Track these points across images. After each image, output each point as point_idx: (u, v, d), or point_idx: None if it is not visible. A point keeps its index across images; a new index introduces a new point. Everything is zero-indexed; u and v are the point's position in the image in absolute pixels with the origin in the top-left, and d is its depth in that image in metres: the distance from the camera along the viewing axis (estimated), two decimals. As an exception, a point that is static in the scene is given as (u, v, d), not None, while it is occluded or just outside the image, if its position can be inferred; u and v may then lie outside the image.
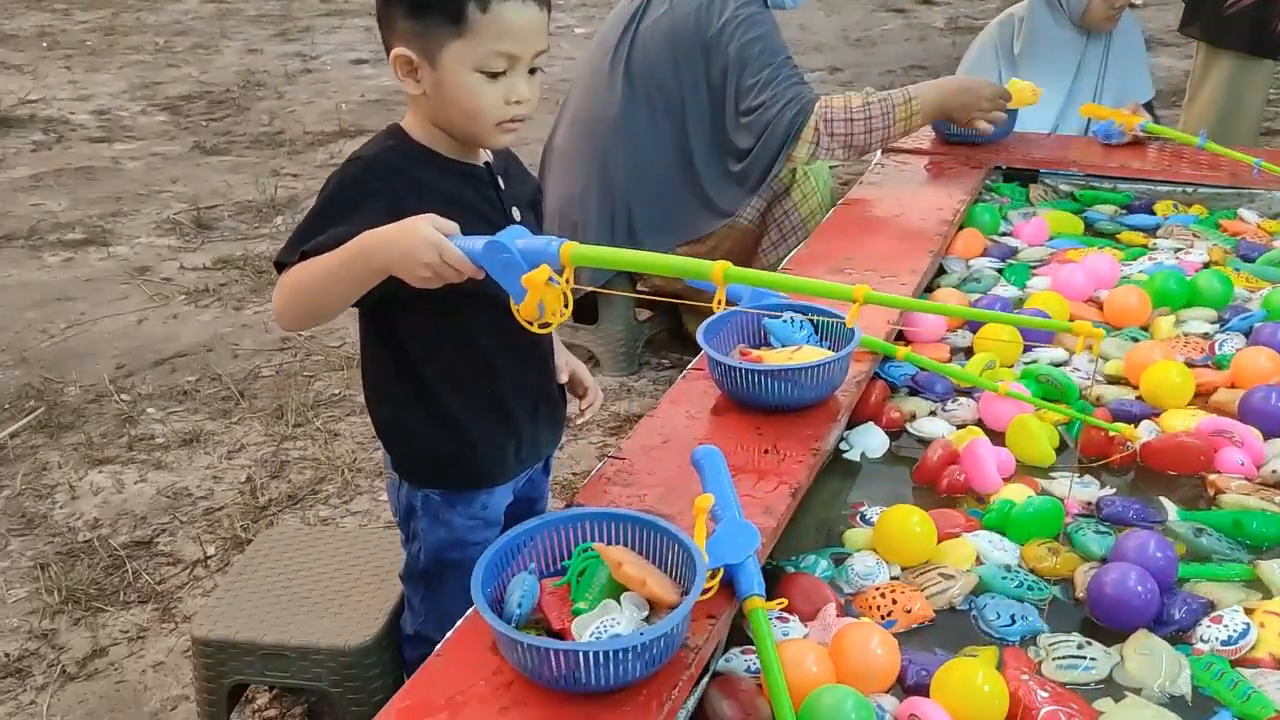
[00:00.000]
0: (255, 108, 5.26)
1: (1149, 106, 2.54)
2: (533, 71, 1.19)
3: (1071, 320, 1.77)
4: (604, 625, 0.97)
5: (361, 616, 1.44)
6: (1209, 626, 1.10)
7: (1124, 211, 2.24)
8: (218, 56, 6.26)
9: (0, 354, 2.88)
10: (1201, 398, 1.55)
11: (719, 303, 1.12)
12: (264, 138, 4.78)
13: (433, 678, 1.00)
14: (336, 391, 2.68)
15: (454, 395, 1.29)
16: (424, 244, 1.08)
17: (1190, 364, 1.61)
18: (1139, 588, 1.11)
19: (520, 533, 1.05)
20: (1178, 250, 2.03)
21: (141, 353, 2.90)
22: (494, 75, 1.15)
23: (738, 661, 1.10)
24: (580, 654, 0.91)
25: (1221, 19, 2.62)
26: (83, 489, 2.31)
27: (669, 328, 2.82)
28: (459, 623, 1.06)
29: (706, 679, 1.06)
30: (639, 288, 2.66)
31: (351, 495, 2.26)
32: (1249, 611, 1.12)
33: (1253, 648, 1.08)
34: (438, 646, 1.03)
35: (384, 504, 2.19)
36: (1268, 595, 1.16)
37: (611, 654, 0.91)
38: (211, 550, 2.11)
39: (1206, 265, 1.95)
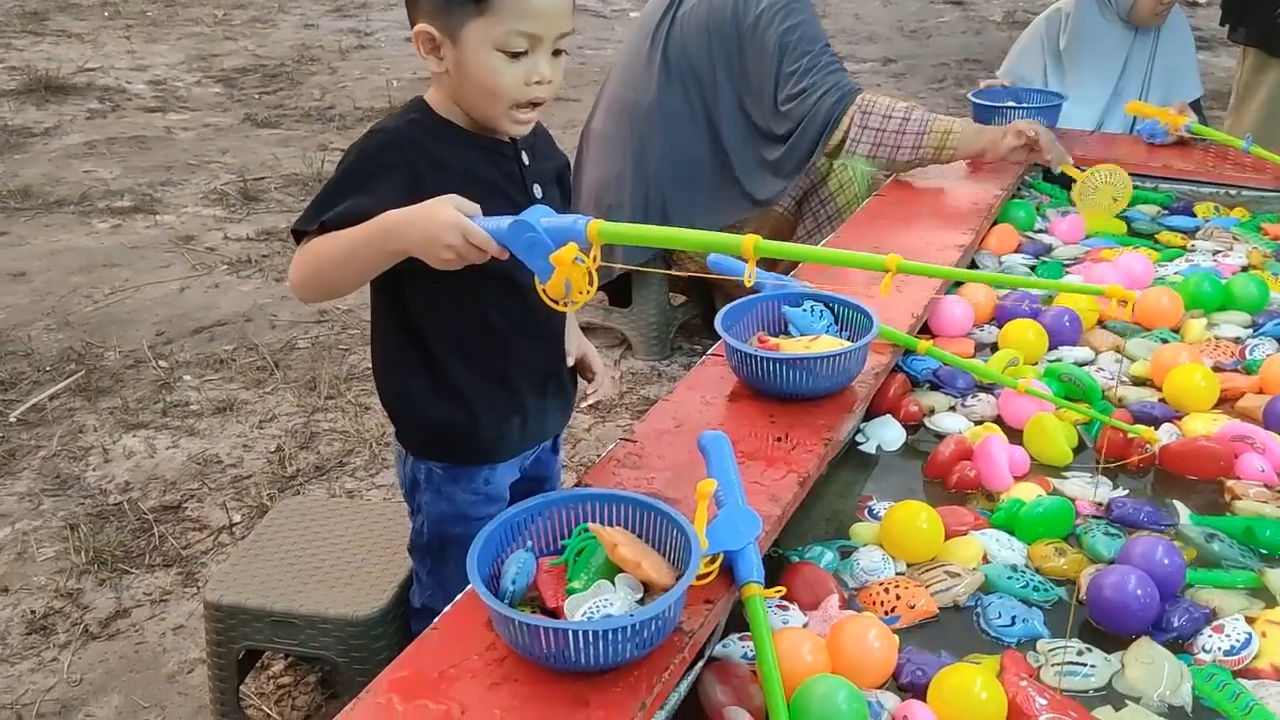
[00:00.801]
0: (308, 82, 5.32)
1: (1196, 106, 2.49)
2: (557, 54, 1.19)
3: (1100, 310, 1.75)
4: (597, 605, 0.98)
5: (371, 588, 1.46)
6: (1211, 636, 1.08)
7: (1165, 212, 2.20)
8: (274, 31, 6.34)
9: (45, 318, 2.95)
10: (1228, 403, 1.52)
11: (750, 276, 1.11)
12: (314, 112, 4.84)
13: (427, 651, 1.01)
14: (369, 366, 2.69)
15: (461, 370, 1.30)
16: (447, 226, 1.08)
17: (1219, 368, 1.58)
18: (1139, 592, 1.09)
19: (519, 511, 1.05)
20: (1216, 253, 1.99)
21: (182, 321, 2.96)
22: (515, 55, 1.15)
23: (735, 648, 1.10)
24: (570, 632, 0.92)
25: (1273, 25, 2.54)
26: (116, 453, 2.37)
27: (702, 313, 2.81)
28: (458, 598, 1.07)
29: (702, 664, 1.06)
30: (674, 271, 2.66)
31: (378, 469, 2.29)
32: (1250, 621, 1.10)
33: (1255, 658, 1.06)
34: (435, 620, 1.04)
35: (408, 478, 2.22)
36: (1271, 604, 1.14)
37: (601, 634, 0.92)
38: (237, 518, 2.15)
39: (1244, 269, 1.91)
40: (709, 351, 1.54)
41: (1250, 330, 1.72)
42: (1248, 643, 1.07)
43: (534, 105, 1.19)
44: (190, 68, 5.61)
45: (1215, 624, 1.10)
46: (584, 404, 1.47)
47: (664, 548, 1.06)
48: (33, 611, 1.90)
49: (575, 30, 1.21)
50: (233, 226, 3.59)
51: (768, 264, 1.30)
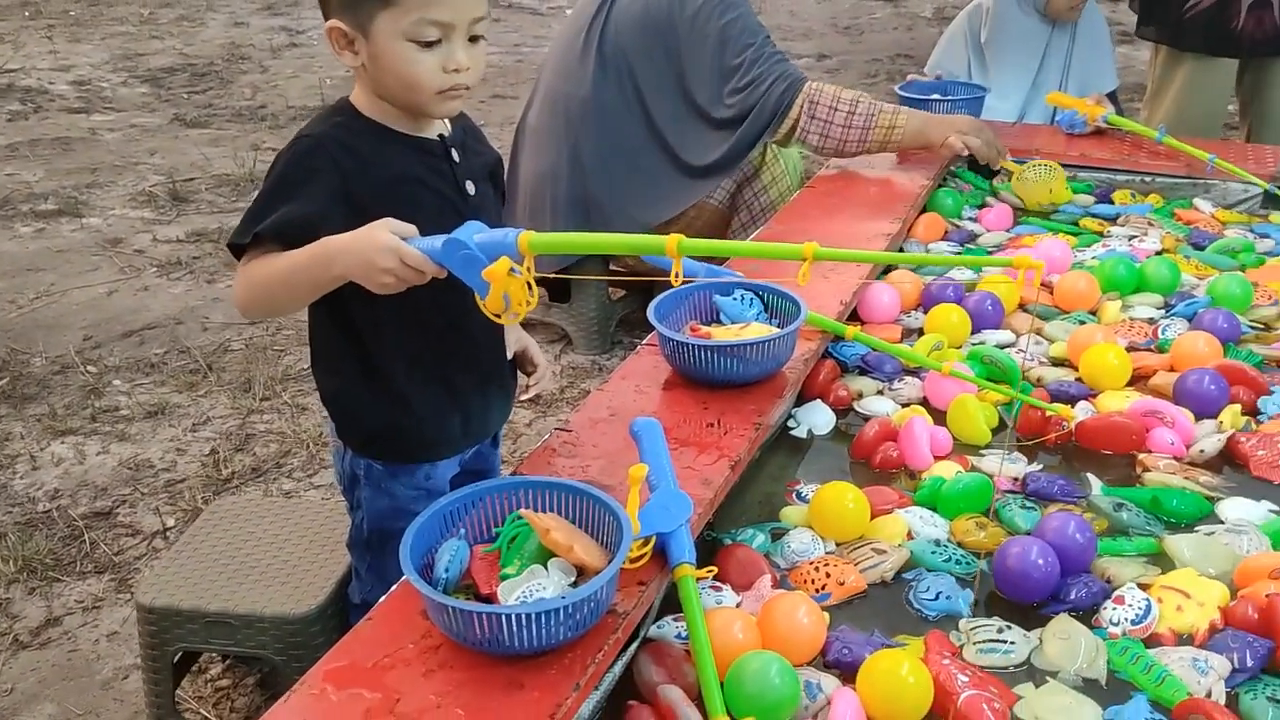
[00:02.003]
0: (238, 81, 5.24)
1: (1112, 97, 2.56)
2: (475, 40, 1.19)
3: (1019, 299, 1.80)
4: (530, 589, 0.99)
5: (309, 586, 1.46)
6: (1115, 608, 1.12)
7: (1090, 200, 2.26)
8: (203, 29, 6.23)
9: (-32, 324, 2.88)
10: (1142, 380, 1.57)
11: (676, 275, 1.14)
12: (245, 111, 4.77)
13: (362, 641, 1.02)
14: (305, 366, 2.68)
15: (400, 370, 1.30)
16: (383, 251, 1.08)
17: (1133, 348, 1.64)
18: (1040, 562, 1.14)
19: (452, 500, 1.06)
20: (1132, 238, 2.05)
21: (110, 325, 2.90)
22: (428, 45, 1.15)
23: (669, 628, 1.12)
24: (504, 617, 0.93)
25: (1181, 22, 2.63)
26: (44, 460, 2.32)
27: (641, 306, 2.82)
28: (392, 588, 1.08)
29: (636, 645, 1.08)
30: (612, 267, 2.68)
31: (316, 469, 2.27)
32: (1145, 588, 1.14)
33: (1153, 623, 1.10)
34: (369, 612, 1.05)
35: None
36: (1168, 569, 1.19)
37: (535, 616, 0.93)
38: (171, 522, 2.12)
39: (1158, 253, 1.97)
40: (643, 342, 1.57)
41: (1163, 311, 1.78)
42: (1148, 611, 1.11)
43: (457, 91, 1.19)
44: (115, 68, 5.50)
45: (1116, 595, 1.14)
46: (524, 397, 1.47)
47: (597, 532, 1.07)
48: (-40, 622, 1.86)
49: (491, 15, 1.21)
50: (162, 228, 3.53)
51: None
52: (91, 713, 1.68)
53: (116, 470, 2.28)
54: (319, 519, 1.61)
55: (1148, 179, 2.28)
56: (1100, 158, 2.33)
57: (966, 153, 2.19)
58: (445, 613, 0.96)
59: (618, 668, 1.05)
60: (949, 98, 2.39)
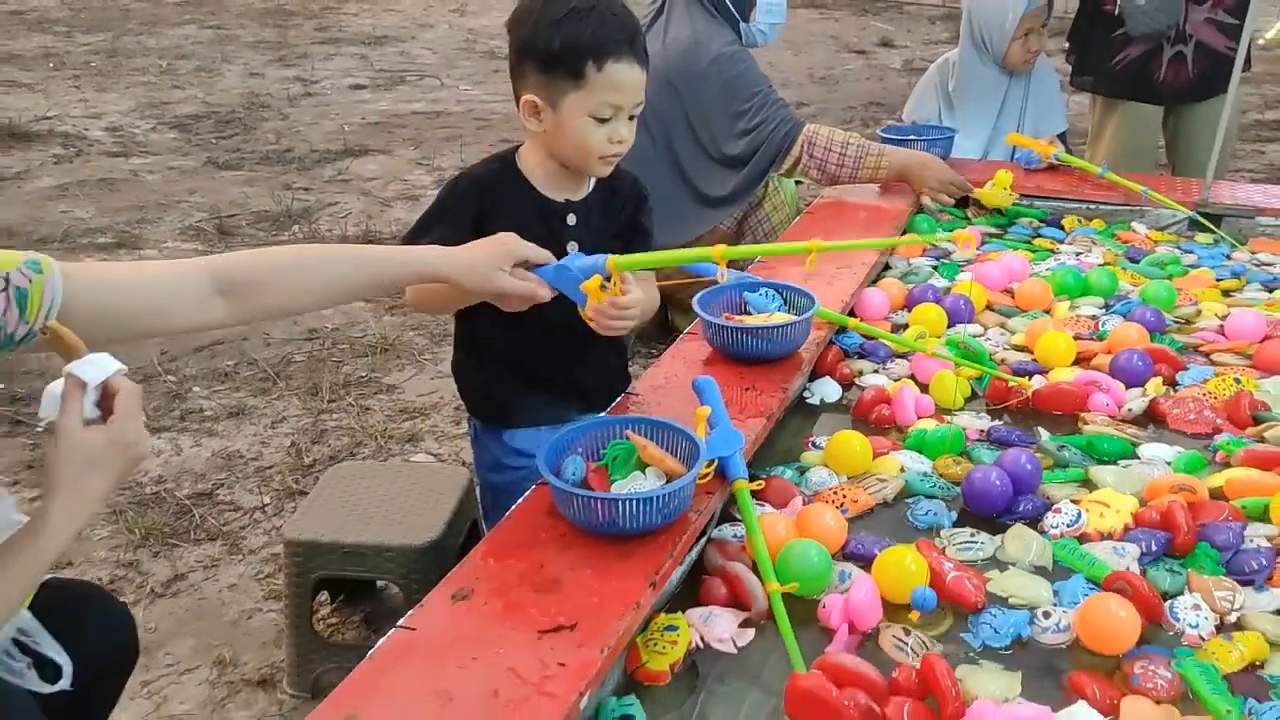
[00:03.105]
0: (261, 127, 5.62)
1: (1062, 137, 2.99)
2: (631, 118, 1.56)
3: (989, 307, 2.19)
4: (634, 488, 1.36)
5: (422, 525, 1.81)
6: (1054, 517, 1.50)
7: (1040, 224, 2.67)
8: (220, 79, 6.62)
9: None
10: (1084, 362, 1.96)
11: (722, 275, 1.53)
12: (273, 155, 5.15)
13: (506, 533, 1.38)
14: (363, 374, 3.04)
15: (493, 354, 1.67)
16: (517, 298, 1.47)
17: (1079, 337, 2.02)
18: (997, 482, 1.51)
19: (573, 429, 1.43)
20: (1079, 254, 2.46)
21: (181, 341, 3.24)
22: (602, 120, 1.53)
23: (727, 531, 1.49)
24: (619, 501, 1.30)
25: (1112, 73, 3.07)
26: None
27: (657, 323, 3.21)
28: (526, 494, 1.44)
29: (704, 540, 1.45)
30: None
31: (386, 456, 2.62)
32: (1077, 502, 1.52)
33: (1085, 527, 1.48)
34: (509, 511, 1.41)
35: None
36: (1092, 491, 1.57)
37: (641, 501, 1.30)
38: (267, 499, 2.47)
39: (1101, 265, 2.38)
40: (686, 330, 1.94)
41: (1104, 310, 2.18)
42: (1079, 517, 1.49)
43: (616, 156, 1.56)
44: (143, 114, 5.86)
45: (1055, 507, 1.52)
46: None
47: (676, 453, 1.44)
48: (99, 578, 2.18)
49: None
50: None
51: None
52: (225, 644, 2.01)
53: (210, 460, 2.62)
54: (420, 477, 1.96)
55: (1092, 206, 2.69)
56: (1052, 188, 2.75)
57: (941, 205, 2.62)
58: (575, 502, 1.32)
59: (693, 553, 1.41)
60: (924, 138, 2.80)
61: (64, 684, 1.23)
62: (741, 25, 2.65)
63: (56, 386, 1.14)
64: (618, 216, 1.70)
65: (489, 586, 1.28)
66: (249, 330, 3.31)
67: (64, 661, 1.23)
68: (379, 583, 2.01)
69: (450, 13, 8.85)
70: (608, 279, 1.47)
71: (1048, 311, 2.18)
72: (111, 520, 2.38)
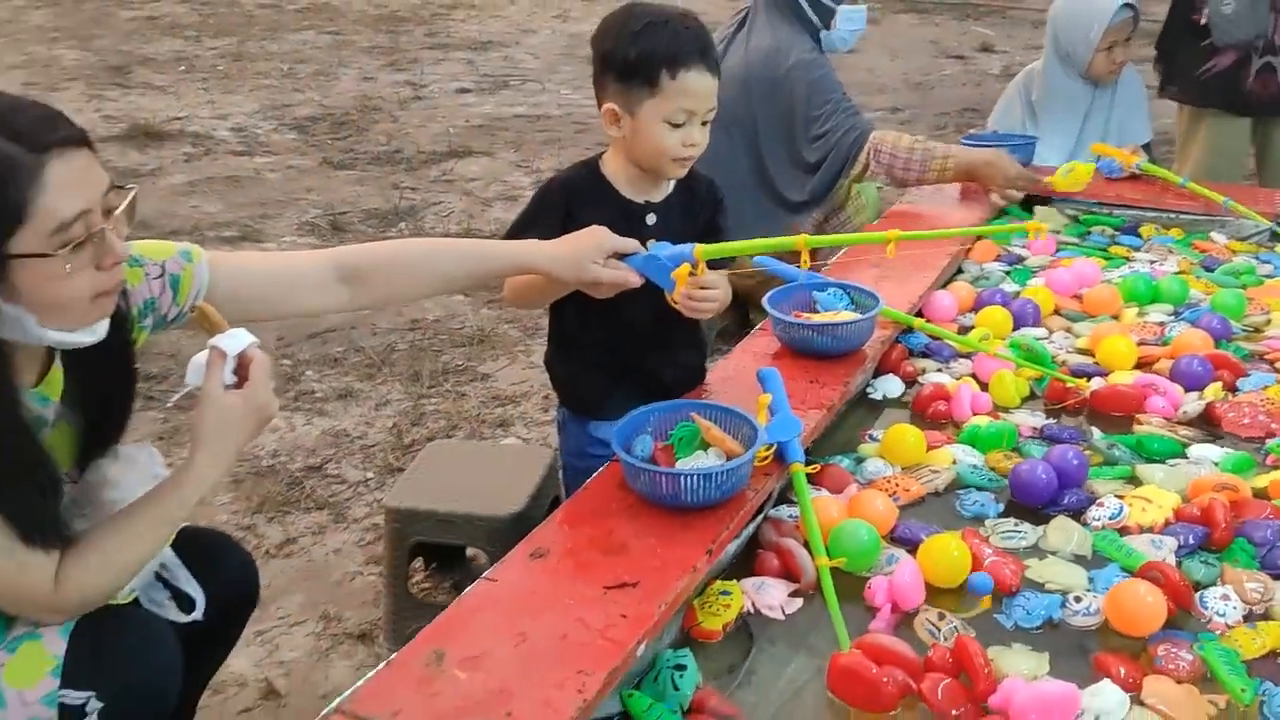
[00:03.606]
0: (373, 129, 5.91)
1: (1147, 147, 3.01)
2: (704, 123, 1.69)
3: (1055, 311, 2.26)
4: (696, 465, 1.50)
5: (508, 498, 1.98)
6: (1097, 510, 1.58)
7: (1117, 233, 2.72)
8: (336, 83, 6.95)
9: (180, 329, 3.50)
10: (1146, 367, 2.02)
11: (805, 262, 1.67)
12: (383, 155, 5.42)
13: (581, 503, 1.53)
14: (460, 363, 3.24)
15: (580, 349, 1.82)
16: (608, 285, 1.62)
17: (1143, 342, 2.08)
18: (1043, 475, 1.60)
19: (644, 411, 1.57)
20: (1154, 262, 2.50)
21: (297, 328, 3.49)
22: (676, 125, 1.66)
23: (784, 511, 1.61)
24: (681, 476, 1.44)
25: (1199, 83, 3.07)
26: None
27: (736, 322, 3.33)
28: (598, 472, 1.59)
29: (761, 518, 1.58)
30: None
31: (480, 438, 2.81)
32: (1121, 497, 1.60)
33: (1126, 520, 1.56)
34: (585, 482, 1.56)
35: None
36: (1137, 487, 1.64)
37: (700, 477, 1.44)
38: (370, 475, 2.67)
39: (1175, 274, 2.41)
40: (756, 326, 2.07)
41: (1173, 317, 2.22)
42: (1121, 511, 1.57)
43: (690, 159, 1.70)
44: (266, 116, 6.21)
45: (1098, 501, 1.60)
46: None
47: (737, 436, 1.57)
48: (222, 539, 2.41)
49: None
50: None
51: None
52: (330, 601, 2.22)
53: (320, 437, 2.85)
54: (508, 456, 2.14)
55: (1172, 216, 2.72)
56: (1132, 197, 2.79)
57: (1010, 203, 2.70)
58: (642, 476, 1.47)
59: (750, 529, 1.54)
60: (1004, 144, 2.87)
61: (196, 615, 1.42)
62: (822, 33, 2.76)
63: (201, 357, 1.34)
64: (695, 218, 1.83)
65: (563, 548, 1.44)
66: (358, 320, 3.55)
67: (198, 596, 1.43)
68: (468, 552, 2.18)
69: (553, 19, 9.09)
70: (694, 267, 1.62)
71: (1116, 317, 2.24)
72: (232, 488, 2.62)
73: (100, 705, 1.28)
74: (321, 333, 3.46)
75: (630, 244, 1.63)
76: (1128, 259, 2.54)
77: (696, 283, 1.61)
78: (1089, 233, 2.72)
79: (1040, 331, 2.17)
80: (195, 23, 8.90)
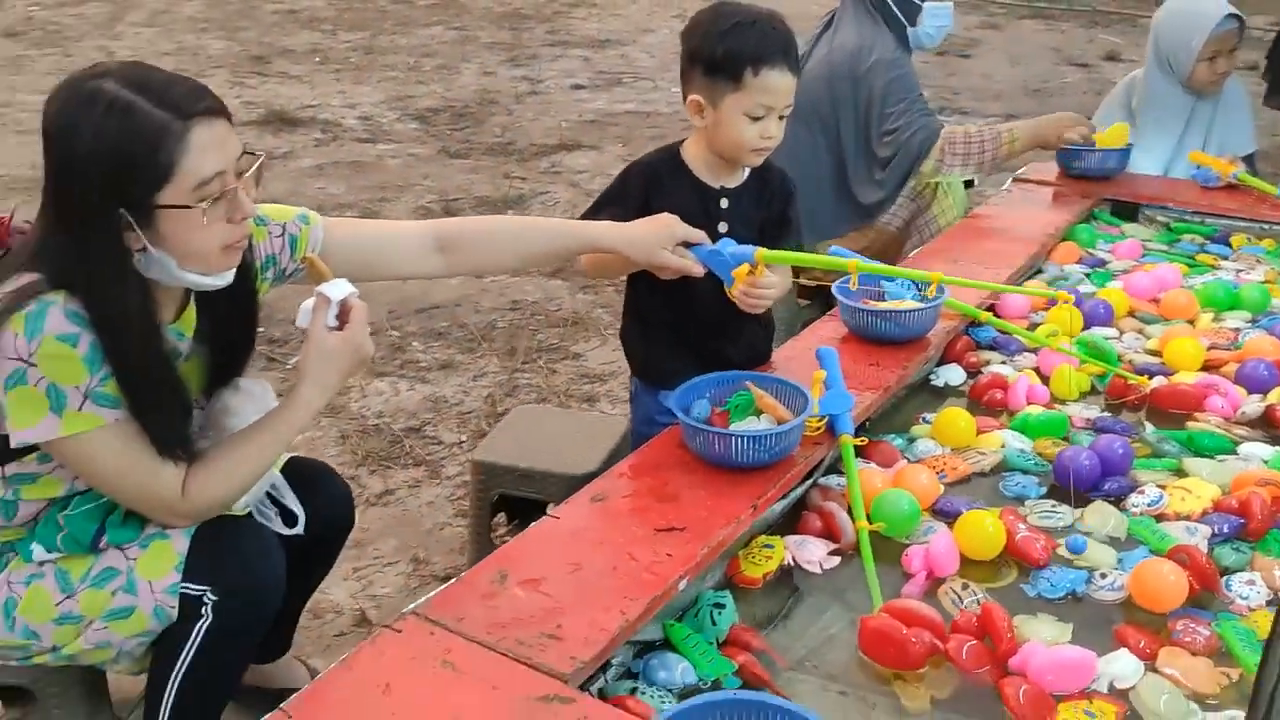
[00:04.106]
0: (489, 121, 6.16)
1: (1249, 159, 2.99)
2: (781, 118, 1.80)
3: (1131, 313, 2.29)
4: (748, 428, 1.62)
5: (584, 458, 2.13)
6: (1137, 497, 1.64)
7: (1208, 241, 2.72)
8: (459, 76, 7.25)
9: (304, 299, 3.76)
10: (1213, 369, 2.05)
11: (854, 284, 1.81)
12: (497, 146, 5.66)
13: (644, 457, 1.67)
14: (554, 342, 3.42)
15: (652, 323, 1.95)
16: (672, 271, 1.76)
17: (1214, 347, 2.11)
18: (1086, 462, 1.66)
19: (704, 379, 1.70)
20: (1239, 271, 2.50)
21: (406, 303, 3.72)
22: (755, 119, 1.78)
23: (833, 480, 1.72)
24: (732, 437, 1.56)
25: None
26: (370, 391, 3.12)
27: (819, 312, 3.41)
28: (666, 426, 1.72)
29: (810, 483, 1.69)
30: (800, 280, 3.28)
31: (567, 408, 2.97)
32: (1162, 486, 1.65)
33: (1165, 508, 1.61)
34: (649, 440, 1.70)
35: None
36: (1181, 478, 1.69)
37: (750, 439, 1.56)
38: (464, 438, 2.86)
39: (1260, 283, 2.42)
40: (828, 313, 2.17)
41: (1250, 324, 2.24)
42: (1160, 499, 1.62)
43: (766, 150, 1.81)
44: (390, 106, 6.53)
45: (1139, 489, 1.66)
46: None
47: (789, 406, 1.68)
48: (328, 485, 2.63)
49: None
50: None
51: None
52: (421, 546, 2.41)
53: (421, 402, 3.06)
54: (586, 423, 2.30)
55: (1265, 227, 2.71)
56: (1226, 207, 2.78)
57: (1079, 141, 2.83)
58: (698, 436, 1.60)
59: (798, 491, 1.65)
60: (1098, 149, 2.89)
61: (298, 530, 1.61)
62: (909, 30, 2.83)
63: (308, 303, 1.52)
64: (767, 206, 1.94)
65: (621, 494, 1.58)
66: (462, 298, 3.76)
67: (300, 512, 1.61)
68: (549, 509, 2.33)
69: (672, 18, 9.24)
70: (753, 268, 1.74)
71: (1191, 322, 2.26)
72: (339, 442, 2.84)
73: (215, 599, 1.48)
74: (428, 308, 3.68)
75: (698, 235, 1.76)
76: (1214, 267, 2.54)
77: (754, 281, 1.73)
78: (1178, 240, 2.73)
79: (1111, 332, 2.21)
80: (331, 17, 9.36)
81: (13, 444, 1.41)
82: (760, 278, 1.76)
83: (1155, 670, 1.34)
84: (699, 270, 1.77)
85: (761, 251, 1.74)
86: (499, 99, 6.67)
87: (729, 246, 1.77)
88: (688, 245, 1.78)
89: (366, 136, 5.88)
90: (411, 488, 2.65)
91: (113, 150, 1.32)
